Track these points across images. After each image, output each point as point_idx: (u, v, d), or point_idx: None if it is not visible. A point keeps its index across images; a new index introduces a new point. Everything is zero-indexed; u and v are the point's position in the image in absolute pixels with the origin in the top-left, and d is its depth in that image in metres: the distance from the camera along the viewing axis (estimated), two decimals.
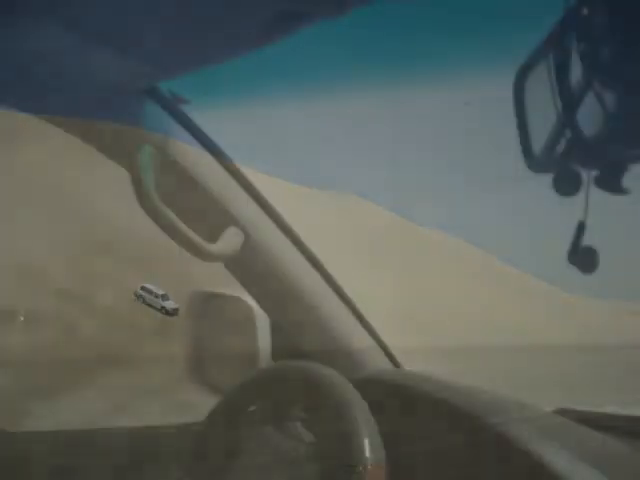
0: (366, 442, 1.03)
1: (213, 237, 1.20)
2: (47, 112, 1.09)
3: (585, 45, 0.49)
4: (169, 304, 1.72)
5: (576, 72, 0.51)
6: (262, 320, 1.50)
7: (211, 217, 1.24)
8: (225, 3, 0.77)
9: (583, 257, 0.53)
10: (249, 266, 1.37)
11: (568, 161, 0.52)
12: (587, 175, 0.52)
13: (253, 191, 1.31)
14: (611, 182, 0.50)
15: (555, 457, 0.93)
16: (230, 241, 1.23)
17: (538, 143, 0.57)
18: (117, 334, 3.35)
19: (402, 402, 1.39)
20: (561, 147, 0.54)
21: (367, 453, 1.01)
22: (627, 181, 0.51)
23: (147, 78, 0.99)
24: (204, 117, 1.35)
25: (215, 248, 1.18)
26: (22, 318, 3.22)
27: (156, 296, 1.71)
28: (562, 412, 1.34)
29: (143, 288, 1.67)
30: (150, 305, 1.73)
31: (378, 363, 1.58)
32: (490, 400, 1.11)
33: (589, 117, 0.51)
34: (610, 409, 1.40)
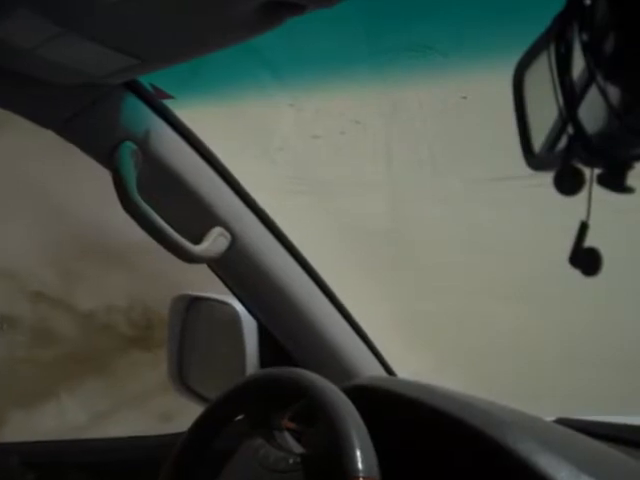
0: (358, 453, 1.02)
1: (198, 238, 1.20)
2: (23, 106, 1.08)
3: (588, 36, 0.49)
4: None
5: (578, 65, 0.51)
6: (249, 325, 1.50)
7: (196, 217, 1.23)
8: None
9: (585, 259, 0.53)
10: (235, 268, 1.36)
11: (570, 158, 0.52)
12: (590, 173, 0.51)
13: (240, 190, 1.30)
14: (615, 180, 0.50)
15: (556, 468, 0.93)
16: (215, 242, 1.22)
17: (538, 140, 0.57)
18: (97, 339, 3.34)
19: (395, 411, 1.39)
20: (562, 144, 0.54)
21: (359, 465, 1.01)
22: (632, 179, 0.51)
23: (128, 71, 0.98)
24: (189, 112, 1.35)
25: (199, 249, 1.17)
26: None
27: None
28: (562, 421, 1.34)
29: None
30: None
31: (371, 370, 1.58)
32: (488, 409, 1.10)
33: (592, 112, 0.50)
34: (610, 418, 1.40)
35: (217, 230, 1.23)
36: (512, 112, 0.59)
